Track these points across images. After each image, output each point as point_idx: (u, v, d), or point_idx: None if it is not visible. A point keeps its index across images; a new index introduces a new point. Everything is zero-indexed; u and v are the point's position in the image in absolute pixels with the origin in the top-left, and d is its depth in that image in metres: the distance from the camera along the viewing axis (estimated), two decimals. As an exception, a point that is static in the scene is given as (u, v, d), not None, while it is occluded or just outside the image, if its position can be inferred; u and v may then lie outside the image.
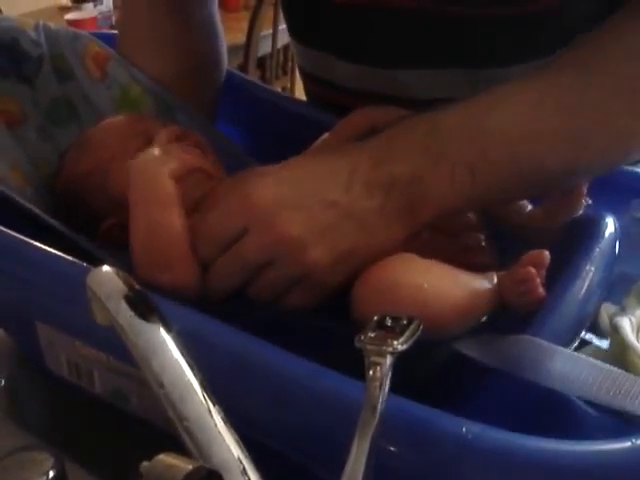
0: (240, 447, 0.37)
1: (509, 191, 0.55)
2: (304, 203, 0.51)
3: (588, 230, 0.56)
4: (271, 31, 2.39)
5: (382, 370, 0.36)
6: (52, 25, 0.77)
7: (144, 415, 0.56)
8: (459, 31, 0.70)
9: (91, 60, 0.75)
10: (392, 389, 0.37)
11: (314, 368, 0.42)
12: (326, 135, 0.71)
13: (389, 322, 0.38)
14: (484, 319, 0.51)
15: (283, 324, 0.53)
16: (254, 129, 0.80)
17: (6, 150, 0.65)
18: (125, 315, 0.41)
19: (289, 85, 2.62)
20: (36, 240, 0.56)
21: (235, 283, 0.53)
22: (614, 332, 0.48)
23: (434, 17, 0.70)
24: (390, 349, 0.36)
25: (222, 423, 0.38)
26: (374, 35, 0.73)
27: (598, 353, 0.48)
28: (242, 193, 0.52)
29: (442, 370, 0.50)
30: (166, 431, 0.53)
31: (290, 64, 2.56)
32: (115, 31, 0.82)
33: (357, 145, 0.54)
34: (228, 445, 0.38)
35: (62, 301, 0.54)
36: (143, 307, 0.42)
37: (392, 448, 0.39)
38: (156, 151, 0.56)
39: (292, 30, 0.82)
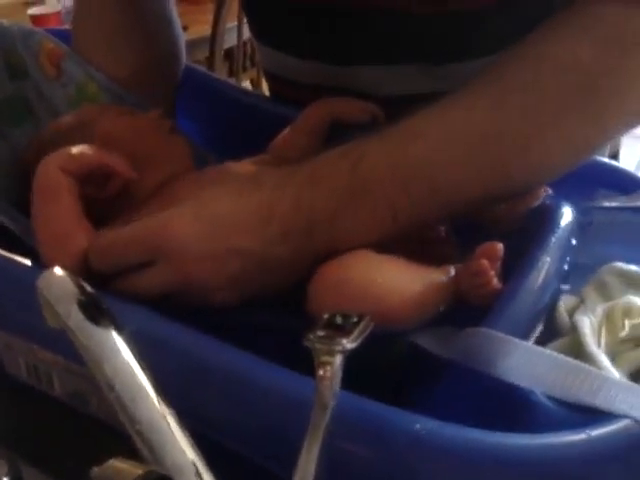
0: (194, 449, 0.37)
1: (431, 220, 0.55)
2: (217, 250, 0.50)
3: (544, 219, 0.56)
4: (236, 23, 2.37)
5: (332, 369, 0.35)
6: (4, 22, 0.75)
7: (104, 417, 0.55)
8: (412, 28, 0.70)
9: (45, 57, 0.74)
10: (348, 383, 0.37)
11: (265, 365, 0.42)
12: (286, 129, 0.71)
13: (339, 320, 0.37)
14: (440, 310, 0.51)
15: (234, 321, 0.53)
16: (213, 124, 0.79)
17: None
18: (76, 318, 0.41)
19: (257, 77, 2.61)
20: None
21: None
22: (573, 330, 0.48)
23: (387, 15, 0.70)
24: (339, 348, 0.35)
25: (175, 425, 0.38)
26: (329, 33, 0.73)
27: (557, 347, 0.48)
28: (157, 226, 0.52)
29: (399, 363, 0.49)
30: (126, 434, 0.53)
31: (258, 55, 2.54)
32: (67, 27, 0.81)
33: (281, 179, 0.53)
34: (181, 447, 0.37)
35: (17, 306, 0.54)
36: (94, 310, 0.41)
37: (345, 446, 0.39)
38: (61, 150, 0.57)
39: (251, 29, 0.82)
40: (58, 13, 2.15)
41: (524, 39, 0.57)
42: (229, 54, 2.57)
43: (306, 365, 0.43)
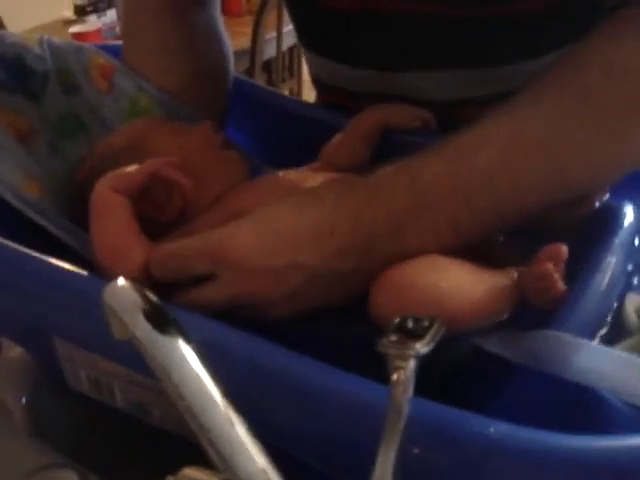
0: (265, 456, 0.37)
1: (490, 232, 0.55)
2: (277, 265, 0.51)
3: (607, 220, 0.55)
4: (275, 34, 2.38)
5: (406, 374, 0.35)
6: (56, 39, 0.77)
7: (167, 427, 0.55)
8: (461, 32, 0.70)
9: (96, 72, 0.75)
10: (414, 389, 0.37)
11: (335, 373, 0.42)
12: (337, 136, 0.71)
13: (410, 324, 0.37)
14: (504, 314, 0.50)
15: (299, 329, 0.53)
16: (264, 134, 0.79)
17: (20, 161, 0.65)
18: (143, 329, 0.41)
19: (296, 87, 2.62)
20: (51, 255, 0.56)
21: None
22: (640, 329, 0.47)
23: (435, 19, 0.69)
24: (413, 352, 0.35)
25: (245, 433, 0.38)
26: (375, 40, 0.73)
27: (626, 347, 0.47)
28: (219, 239, 0.52)
29: (464, 367, 0.49)
30: (191, 442, 0.53)
31: (296, 66, 2.56)
32: (120, 42, 0.82)
33: (340, 194, 0.53)
34: (252, 455, 0.37)
35: (79, 317, 0.54)
36: (161, 320, 0.41)
37: (418, 451, 0.38)
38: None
39: (299, 36, 0.82)
40: (99, 30, 2.18)
41: (580, 44, 0.56)
42: (268, 65, 2.59)
43: (372, 372, 0.43)
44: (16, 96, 0.70)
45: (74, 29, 2.18)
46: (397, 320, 0.38)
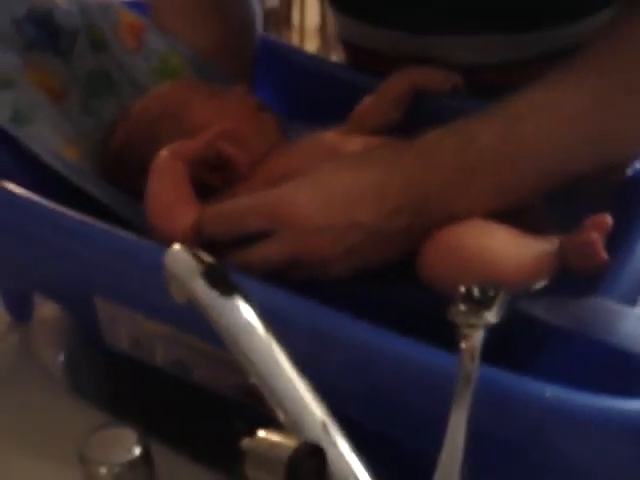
0: (329, 417, 0.38)
1: (535, 194, 0.57)
2: (334, 223, 0.53)
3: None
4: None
5: (475, 342, 0.36)
6: (83, -4, 0.76)
7: (207, 384, 0.57)
8: None
9: (125, 30, 0.75)
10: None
11: (398, 339, 0.43)
12: (368, 98, 0.71)
13: (477, 293, 0.38)
14: (546, 281, 0.52)
15: (348, 290, 0.54)
16: (291, 93, 0.79)
17: (57, 124, 0.65)
18: (209, 295, 0.42)
19: (298, 39, 2.58)
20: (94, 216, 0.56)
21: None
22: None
23: None
24: (482, 322, 0.36)
25: (311, 396, 0.39)
26: (410, 3, 0.73)
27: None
28: (277, 197, 0.54)
29: (509, 330, 0.50)
30: (229, 399, 0.55)
31: (297, 17, 2.52)
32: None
33: (392, 157, 0.55)
34: (318, 416, 0.38)
35: (123, 277, 0.55)
36: (222, 282, 0.42)
37: (478, 416, 0.40)
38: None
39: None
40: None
41: (616, 18, 0.58)
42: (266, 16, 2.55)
43: (423, 334, 0.44)
44: (47, 53, 0.70)
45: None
46: (463, 289, 0.39)
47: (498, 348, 0.50)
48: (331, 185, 0.54)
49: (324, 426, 0.38)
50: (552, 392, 0.40)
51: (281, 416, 0.39)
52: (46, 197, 0.57)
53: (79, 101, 0.70)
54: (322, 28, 2.42)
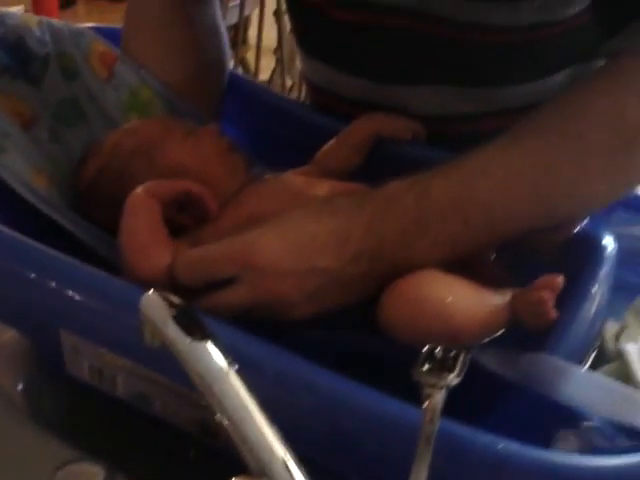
0: (301, 469, 0.40)
1: (484, 248, 0.61)
2: (298, 268, 0.55)
3: (590, 251, 0.60)
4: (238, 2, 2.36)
5: (436, 402, 0.39)
6: (55, 22, 0.77)
7: (166, 417, 0.58)
8: (457, 53, 0.74)
9: (97, 59, 0.76)
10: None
11: (359, 388, 0.46)
12: (331, 142, 0.74)
13: (439, 353, 0.41)
14: (499, 333, 0.55)
15: (309, 337, 0.56)
16: (256, 131, 0.81)
17: (27, 152, 0.66)
18: (181, 339, 0.43)
19: (253, 56, 2.59)
20: (62, 248, 0.57)
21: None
22: (619, 355, 0.52)
23: (435, 39, 0.73)
24: (445, 383, 0.39)
25: (280, 444, 0.41)
26: (376, 52, 0.76)
27: (606, 372, 0.53)
28: (245, 243, 0.56)
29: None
30: (186, 432, 0.56)
31: (255, 34, 2.53)
32: (116, 26, 0.82)
33: (354, 206, 0.58)
34: (288, 464, 0.40)
35: (89, 311, 0.56)
36: (196, 329, 0.44)
37: (435, 465, 0.42)
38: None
39: (298, 39, 0.84)
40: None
41: (571, 87, 0.64)
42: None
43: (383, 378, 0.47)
44: (18, 80, 0.71)
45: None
46: (427, 349, 0.41)
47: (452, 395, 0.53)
48: (296, 232, 0.57)
49: (286, 466, 0.40)
50: (505, 445, 0.43)
51: (247, 457, 0.41)
52: (18, 228, 0.58)
53: (48, 129, 0.71)
54: (278, 49, 2.44)
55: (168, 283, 0.56)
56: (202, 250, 0.57)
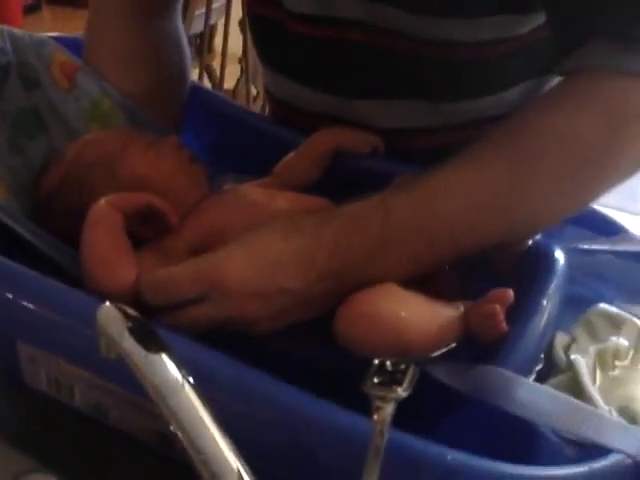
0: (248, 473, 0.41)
1: (444, 263, 0.62)
2: (264, 289, 0.56)
3: (541, 265, 0.61)
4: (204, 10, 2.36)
5: (386, 415, 0.40)
6: (16, 31, 0.77)
7: (123, 428, 0.59)
8: (417, 68, 0.75)
9: (58, 69, 0.76)
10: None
11: (314, 400, 0.47)
12: (291, 154, 0.75)
13: (389, 367, 0.42)
14: (452, 346, 0.56)
15: (264, 349, 0.57)
16: (217, 143, 0.82)
17: None
18: (136, 351, 0.44)
19: (218, 64, 2.59)
20: (18, 258, 0.58)
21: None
22: (569, 367, 0.54)
23: (400, 55, 0.74)
24: (394, 396, 0.40)
25: (234, 456, 0.42)
26: (337, 67, 0.78)
27: (556, 383, 0.54)
28: (211, 265, 0.57)
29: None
30: (142, 442, 0.57)
31: (221, 42, 2.53)
32: (77, 35, 0.82)
33: (319, 226, 0.58)
34: (237, 470, 0.41)
35: (46, 322, 0.56)
36: (151, 341, 0.44)
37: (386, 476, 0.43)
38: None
39: (259, 53, 0.85)
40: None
41: (528, 106, 0.65)
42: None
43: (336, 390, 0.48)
44: (-23, 90, 0.71)
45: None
46: (377, 362, 0.42)
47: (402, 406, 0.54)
48: (262, 252, 0.57)
49: (240, 478, 0.41)
50: (454, 456, 0.44)
51: (201, 469, 0.42)
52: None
53: (7, 138, 0.71)
54: (242, 58, 2.45)
55: (131, 298, 0.56)
56: (168, 271, 0.58)
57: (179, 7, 0.83)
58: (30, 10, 2.22)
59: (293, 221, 0.59)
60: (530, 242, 0.65)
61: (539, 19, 0.72)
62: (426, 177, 0.60)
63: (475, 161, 0.60)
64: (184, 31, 0.82)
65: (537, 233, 0.64)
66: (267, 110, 0.94)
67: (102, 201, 0.60)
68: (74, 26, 1.80)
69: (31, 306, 0.56)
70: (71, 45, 0.79)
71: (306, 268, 0.56)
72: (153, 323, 0.45)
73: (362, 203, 0.59)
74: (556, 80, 0.79)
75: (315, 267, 0.56)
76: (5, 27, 0.76)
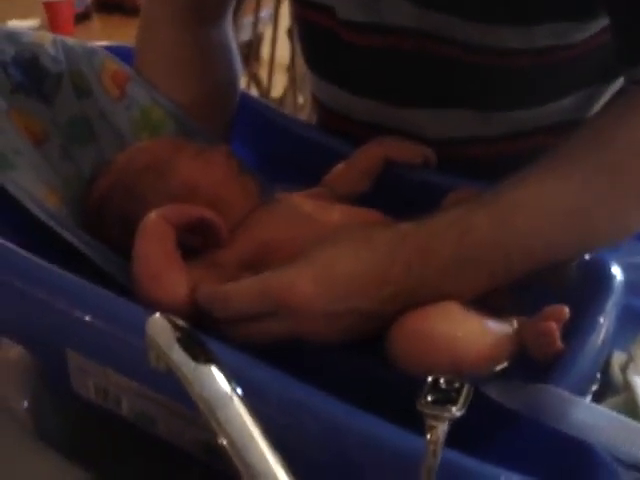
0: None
1: (517, 278, 0.59)
2: (335, 309, 0.55)
3: (598, 281, 0.60)
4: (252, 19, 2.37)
5: (439, 434, 0.39)
6: (68, 40, 0.78)
7: (169, 438, 0.58)
8: (471, 76, 0.74)
9: (109, 78, 0.77)
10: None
11: (364, 416, 0.46)
12: (341, 165, 0.74)
13: (443, 384, 0.41)
14: (506, 363, 0.55)
15: (316, 361, 0.56)
16: (266, 152, 0.82)
17: (39, 170, 0.67)
18: (185, 362, 0.44)
19: (266, 73, 2.60)
20: (73, 267, 0.58)
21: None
22: (627, 387, 0.52)
23: (452, 62, 0.73)
24: (448, 415, 0.39)
25: (283, 472, 0.41)
26: (389, 75, 0.77)
27: (613, 404, 0.52)
28: (280, 283, 0.56)
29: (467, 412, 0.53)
30: (189, 454, 0.57)
31: (269, 51, 2.54)
32: (128, 44, 0.83)
33: (393, 243, 0.57)
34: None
35: (96, 331, 0.56)
36: (200, 352, 0.44)
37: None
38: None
39: (309, 61, 0.84)
40: (70, 1, 2.13)
41: (601, 117, 0.65)
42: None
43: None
44: (31, 98, 0.72)
45: (46, -4, 2.14)
46: (430, 379, 0.41)
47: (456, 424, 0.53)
48: (332, 270, 0.56)
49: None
50: (507, 476, 0.43)
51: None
52: (29, 247, 0.58)
53: (59, 146, 0.72)
54: (291, 67, 2.45)
55: (183, 311, 0.56)
56: (233, 286, 0.57)
57: (230, 15, 0.83)
58: (81, 18, 2.25)
59: (363, 238, 0.58)
60: (587, 257, 0.63)
61: (596, 26, 0.71)
62: (502, 192, 0.58)
63: (552, 175, 0.59)
64: (234, 40, 0.82)
65: (613, 246, 0.63)
66: (314, 119, 0.94)
67: (154, 214, 0.60)
68: (124, 33, 1.83)
69: (81, 315, 0.56)
70: (122, 54, 0.80)
71: (378, 288, 0.55)
72: (203, 335, 0.45)
73: (436, 220, 0.58)
74: (613, 87, 0.78)
75: (388, 286, 0.55)
76: (58, 37, 0.77)
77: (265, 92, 2.54)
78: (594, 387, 0.54)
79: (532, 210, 0.58)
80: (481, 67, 0.73)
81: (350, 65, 0.79)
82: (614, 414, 0.49)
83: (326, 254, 0.57)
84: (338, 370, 0.56)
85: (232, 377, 0.43)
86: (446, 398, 0.40)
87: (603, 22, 0.70)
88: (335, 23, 0.76)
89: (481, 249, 0.56)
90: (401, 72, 0.76)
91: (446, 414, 0.39)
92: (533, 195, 0.58)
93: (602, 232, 0.60)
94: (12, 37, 0.73)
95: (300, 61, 2.32)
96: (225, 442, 0.42)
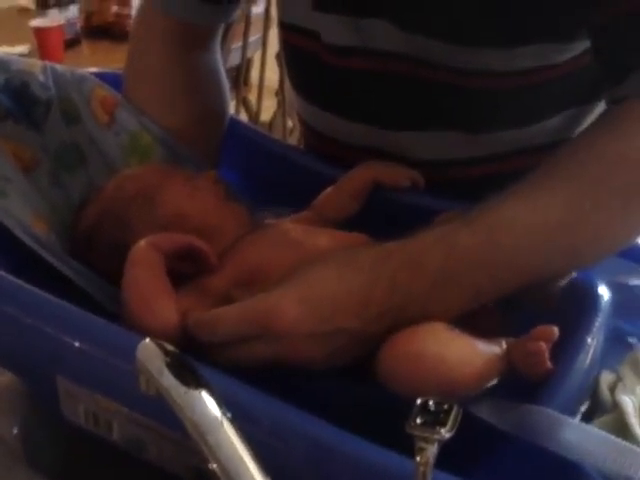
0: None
1: (503, 296, 0.60)
2: (322, 330, 0.55)
3: (585, 301, 0.60)
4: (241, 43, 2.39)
5: (429, 455, 0.39)
6: (58, 67, 0.78)
7: (160, 463, 0.58)
8: (458, 98, 0.75)
9: (98, 104, 0.77)
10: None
11: (353, 439, 0.46)
12: (330, 189, 0.75)
13: (432, 407, 0.41)
14: (494, 382, 0.55)
15: (306, 385, 0.56)
16: (255, 177, 0.82)
17: (28, 197, 0.67)
18: (175, 387, 0.44)
19: (255, 97, 2.62)
20: (62, 294, 0.58)
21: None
22: (615, 407, 0.52)
23: (439, 85, 0.74)
24: (438, 436, 0.39)
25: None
26: (374, 98, 0.77)
27: (602, 423, 0.53)
28: (266, 306, 0.56)
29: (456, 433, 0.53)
30: (181, 477, 0.56)
31: (257, 75, 2.55)
32: (117, 70, 0.84)
33: (377, 261, 0.57)
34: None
35: (87, 357, 0.56)
36: (190, 377, 0.44)
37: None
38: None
39: (295, 84, 0.85)
40: (61, 26, 2.14)
41: (582, 133, 0.64)
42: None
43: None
44: (20, 125, 0.72)
45: (36, 23, 2.13)
46: (419, 402, 0.42)
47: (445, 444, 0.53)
48: (316, 292, 0.56)
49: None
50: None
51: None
52: (17, 272, 0.58)
53: (48, 173, 0.72)
54: (279, 91, 2.47)
55: (173, 338, 0.56)
56: (220, 312, 0.58)
57: (219, 40, 0.83)
58: (70, 44, 2.26)
59: (347, 259, 0.58)
60: (574, 276, 0.64)
61: (579, 47, 0.72)
62: (486, 210, 0.59)
63: (535, 192, 0.59)
64: (222, 64, 0.83)
65: (599, 262, 0.63)
66: (303, 142, 0.94)
67: (143, 242, 0.60)
68: (112, 59, 1.84)
69: (71, 341, 0.56)
70: (111, 81, 0.80)
71: (364, 307, 0.55)
72: (193, 360, 0.45)
73: (420, 238, 0.58)
74: (598, 108, 0.79)
75: (373, 306, 0.55)
76: (48, 64, 0.77)
77: (254, 116, 2.56)
78: (583, 407, 0.55)
79: (516, 227, 0.58)
80: (466, 89, 0.73)
81: (335, 88, 0.79)
82: (603, 434, 0.50)
83: (310, 276, 0.57)
84: (328, 393, 0.56)
85: (222, 401, 0.43)
86: (435, 420, 0.40)
87: (586, 43, 0.71)
88: (320, 47, 0.77)
89: (466, 265, 0.57)
90: (386, 95, 0.76)
91: (436, 436, 0.39)
92: (517, 212, 0.58)
93: (587, 248, 0.61)
94: (2, 64, 0.73)
95: (289, 85, 2.33)
96: (216, 466, 0.42)
